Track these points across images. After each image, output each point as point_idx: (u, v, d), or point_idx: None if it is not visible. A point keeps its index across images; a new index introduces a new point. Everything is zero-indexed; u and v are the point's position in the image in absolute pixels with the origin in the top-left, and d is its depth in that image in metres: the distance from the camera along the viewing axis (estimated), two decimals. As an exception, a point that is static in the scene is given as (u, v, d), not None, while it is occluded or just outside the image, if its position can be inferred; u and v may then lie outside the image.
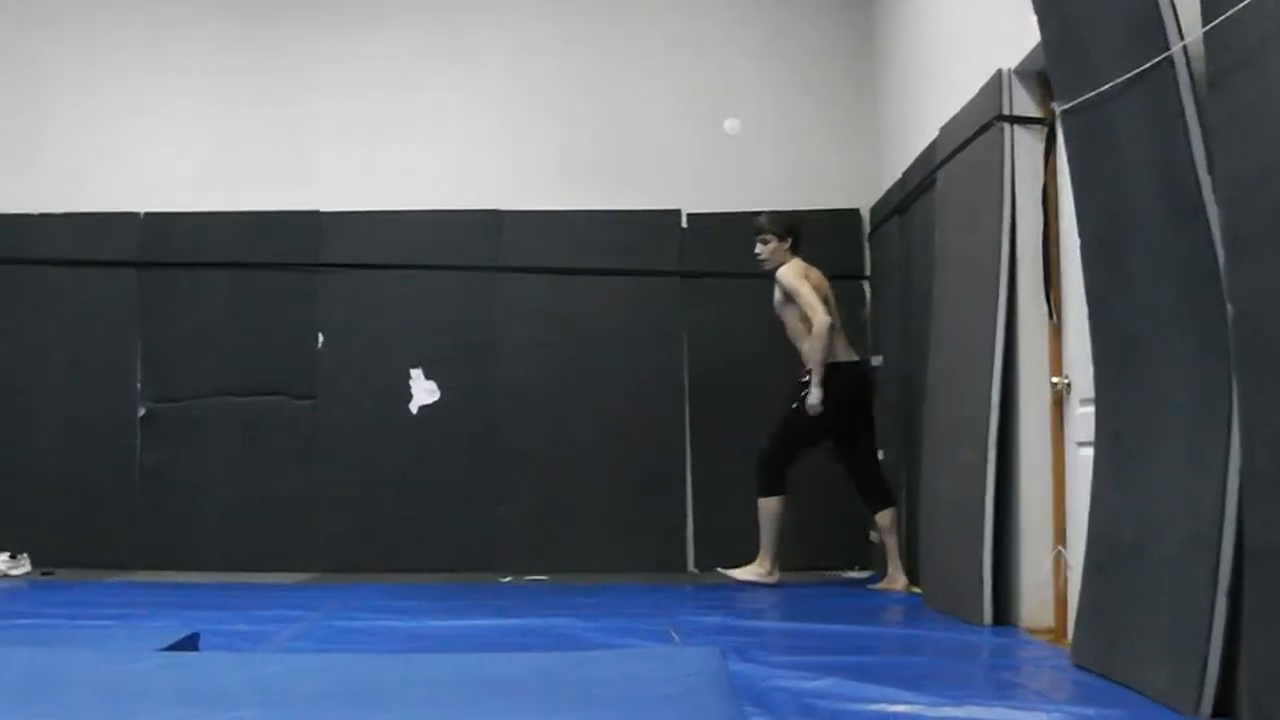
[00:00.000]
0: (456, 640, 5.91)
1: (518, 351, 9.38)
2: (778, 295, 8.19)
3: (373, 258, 9.52)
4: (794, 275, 8.10)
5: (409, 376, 9.30)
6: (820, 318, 7.93)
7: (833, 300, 8.18)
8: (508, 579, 8.81)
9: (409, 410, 9.31)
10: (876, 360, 9.00)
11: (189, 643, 5.07)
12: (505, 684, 3.92)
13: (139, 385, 9.48)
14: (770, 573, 8.10)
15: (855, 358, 8.24)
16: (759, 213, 8.40)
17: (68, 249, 9.54)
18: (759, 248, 8.27)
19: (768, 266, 8.26)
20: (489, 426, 9.35)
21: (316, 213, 9.54)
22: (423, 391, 9.25)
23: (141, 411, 9.46)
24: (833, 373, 7.99)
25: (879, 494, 8.13)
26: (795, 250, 8.24)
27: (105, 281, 9.54)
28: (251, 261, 9.51)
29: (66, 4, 9.83)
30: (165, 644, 4.87)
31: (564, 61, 9.75)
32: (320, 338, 9.46)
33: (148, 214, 9.56)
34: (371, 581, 8.41)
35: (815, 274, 8.20)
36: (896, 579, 7.96)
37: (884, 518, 8.06)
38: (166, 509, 9.36)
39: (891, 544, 8.03)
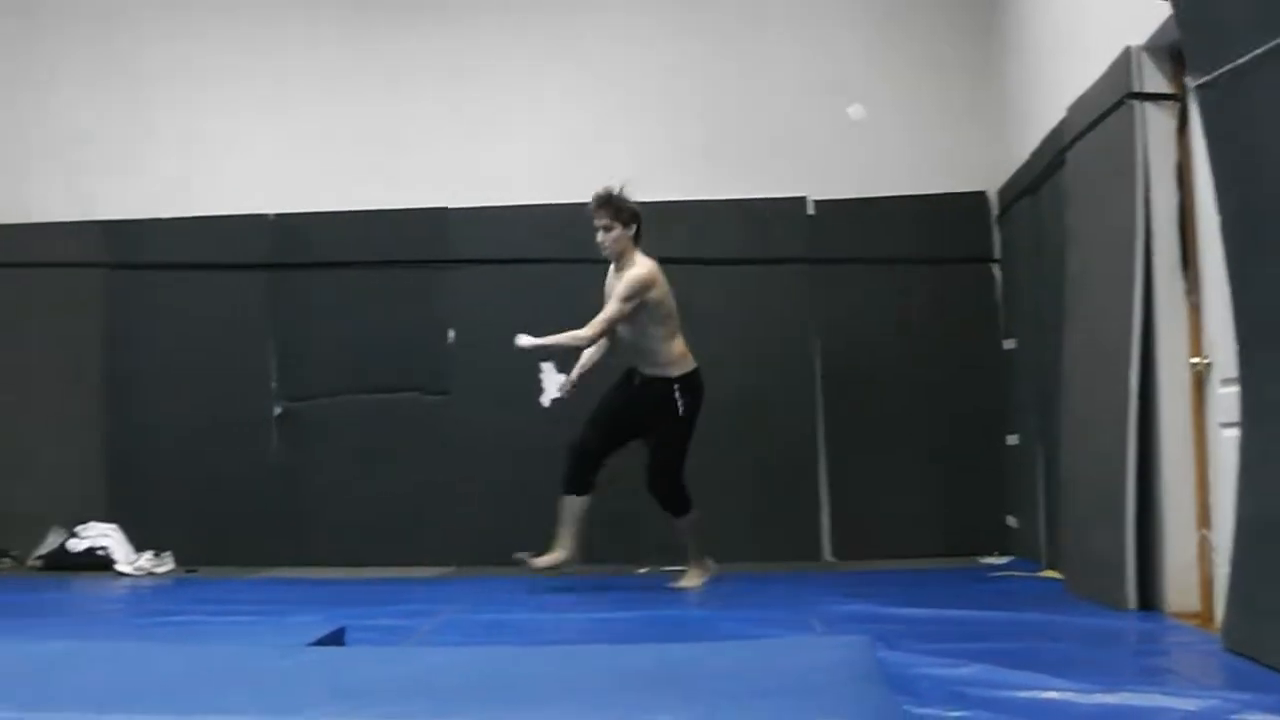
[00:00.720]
0: (599, 632, 5.95)
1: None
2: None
3: (498, 253, 9.59)
4: (638, 281, 7.55)
5: (539, 370, 9.35)
6: (599, 325, 7.58)
7: (675, 315, 7.70)
8: (644, 570, 8.83)
9: (541, 404, 9.35)
10: (1009, 344, 8.90)
11: (336, 637, 5.15)
12: (650, 676, 3.92)
13: (273, 385, 9.65)
14: (704, 571, 7.93)
15: None
16: (610, 193, 7.66)
17: (198, 252, 9.72)
18: (600, 235, 7.71)
19: (607, 254, 7.77)
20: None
21: (444, 209, 9.62)
22: (554, 385, 9.27)
23: (277, 411, 9.61)
24: (695, 376, 7.68)
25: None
26: (637, 240, 7.71)
27: (238, 283, 9.71)
28: (382, 259, 9.63)
29: (172, 7, 10.05)
30: (313, 639, 4.94)
31: (685, 50, 9.74)
32: (451, 334, 9.54)
33: (278, 215, 9.71)
34: (509, 575, 8.44)
35: (664, 281, 7.65)
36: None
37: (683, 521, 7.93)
38: (304, 506, 9.52)
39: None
